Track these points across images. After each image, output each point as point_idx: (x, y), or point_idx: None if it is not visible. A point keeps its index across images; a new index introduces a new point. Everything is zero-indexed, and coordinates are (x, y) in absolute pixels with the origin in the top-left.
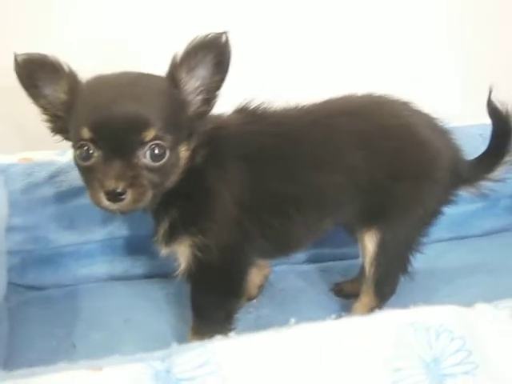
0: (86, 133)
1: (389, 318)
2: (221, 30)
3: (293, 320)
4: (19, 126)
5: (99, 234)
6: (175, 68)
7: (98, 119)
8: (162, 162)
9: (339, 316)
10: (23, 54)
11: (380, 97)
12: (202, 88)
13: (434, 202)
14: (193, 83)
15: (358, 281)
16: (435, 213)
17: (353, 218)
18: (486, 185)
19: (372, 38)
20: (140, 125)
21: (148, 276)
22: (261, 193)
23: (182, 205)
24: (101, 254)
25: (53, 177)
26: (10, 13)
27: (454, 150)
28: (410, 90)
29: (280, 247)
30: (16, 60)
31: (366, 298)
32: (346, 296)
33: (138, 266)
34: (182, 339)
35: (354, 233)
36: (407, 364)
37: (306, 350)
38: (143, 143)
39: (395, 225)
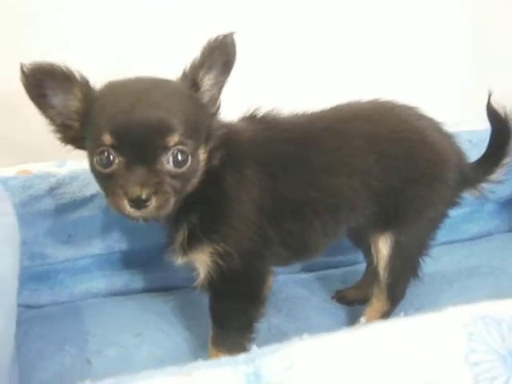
0: (107, 139)
1: (459, 312)
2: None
3: (363, 319)
4: (13, 138)
5: (98, 248)
6: (196, 70)
7: (120, 125)
8: (184, 168)
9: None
10: (30, 64)
11: (387, 102)
12: (212, 88)
13: (444, 203)
14: (208, 84)
15: (361, 287)
16: (444, 215)
17: (367, 222)
18: (485, 187)
19: (373, 42)
20: (163, 130)
21: (147, 290)
22: (279, 197)
23: (201, 210)
24: (98, 269)
25: (53, 189)
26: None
27: (459, 153)
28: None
29: (298, 252)
30: (22, 70)
31: (377, 302)
32: (349, 303)
33: (136, 280)
34: (197, 352)
35: (366, 238)
36: (485, 358)
37: (384, 349)
38: (166, 149)
39: (409, 228)
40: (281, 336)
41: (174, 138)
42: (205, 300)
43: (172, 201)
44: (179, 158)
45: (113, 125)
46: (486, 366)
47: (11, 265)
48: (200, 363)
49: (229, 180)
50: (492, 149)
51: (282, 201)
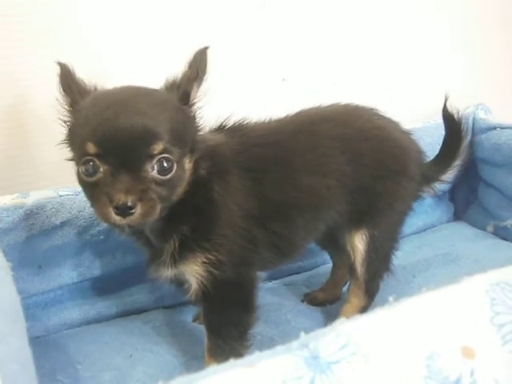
0: (91, 148)
1: (476, 282)
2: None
3: (391, 299)
4: None
5: (69, 277)
6: (190, 82)
7: (104, 133)
8: (169, 176)
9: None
10: (63, 63)
11: (347, 104)
12: (198, 99)
13: (411, 197)
14: (197, 95)
15: (328, 288)
16: (411, 208)
17: (342, 220)
18: (437, 186)
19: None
20: (148, 138)
21: (120, 315)
22: (264, 199)
23: (192, 221)
24: (69, 299)
25: (22, 220)
26: None
27: (419, 150)
28: None
29: (284, 253)
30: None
31: (355, 298)
32: (319, 303)
33: (109, 307)
34: (189, 366)
35: (341, 237)
36: (509, 318)
37: (423, 319)
38: (151, 156)
39: (382, 222)
40: (268, 341)
41: (158, 146)
42: (181, 317)
43: (158, 208)
44: (164, 165)
45: (96, 134)
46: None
47: (15, 292)
48: (257, 355)
49: (216, 189)
50: (445, 150)
51: (266, 203)
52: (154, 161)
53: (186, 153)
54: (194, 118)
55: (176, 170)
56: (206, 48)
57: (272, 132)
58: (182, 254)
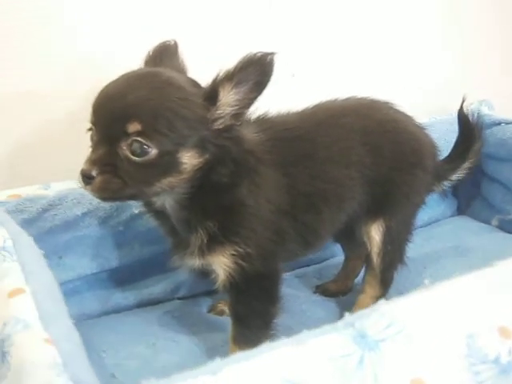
0: (91, 116)
1: (479, 276)
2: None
3: (426, 281)
4: None
5: (88, 268)
6: (222, 81)
7: (97, 104)
8: (143, 159)
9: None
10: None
11: (363, 98)
12: (236, 103)
13: (425, 189)
14: (231, 98)
15: (340, 280)
16: (423, 202)
17: (361, 210)
18: (445, 184)
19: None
20: (124, 115)
21: (137, 306)
22: (294, 193)
23: (219, 219)
24: (88, 290)
25: (45, 211)
26: None
27: (433, 144)
28: None
29: (309, 245)
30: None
31: (371, 289)
32: (332, 295)
33: (127, 297)
34: (211, 354)
35: (357, 228)
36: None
37: (460, 299)
38: (127, 135)
39: (398, 213)
40: (286, 330)
41: (133, 126)
42: (196, 308)
43: (119, 187)
44: (138, 146)
45: (95, 104)
46: None
47: (52, 276)
48: (305, 333)
49: (244, 192)
50: (457, 151)
51: (296, 196)
52: (130, 140)
53: (184, 145)
54: (208, 116)
55: (156, 157)
56: (264, 53)
57: (295, 125)
58: (210, 246)
